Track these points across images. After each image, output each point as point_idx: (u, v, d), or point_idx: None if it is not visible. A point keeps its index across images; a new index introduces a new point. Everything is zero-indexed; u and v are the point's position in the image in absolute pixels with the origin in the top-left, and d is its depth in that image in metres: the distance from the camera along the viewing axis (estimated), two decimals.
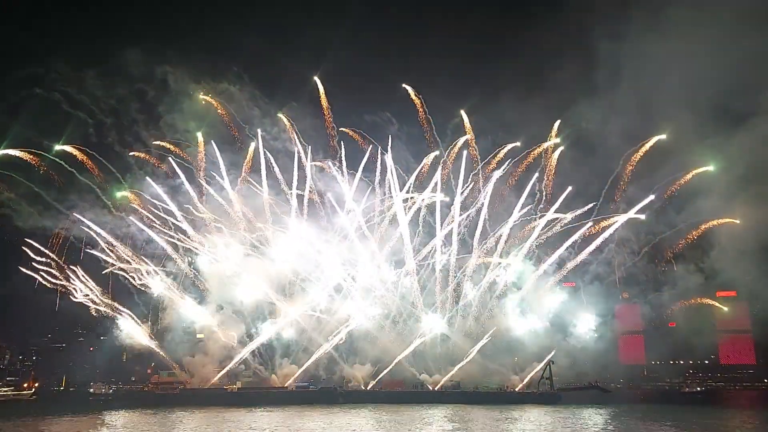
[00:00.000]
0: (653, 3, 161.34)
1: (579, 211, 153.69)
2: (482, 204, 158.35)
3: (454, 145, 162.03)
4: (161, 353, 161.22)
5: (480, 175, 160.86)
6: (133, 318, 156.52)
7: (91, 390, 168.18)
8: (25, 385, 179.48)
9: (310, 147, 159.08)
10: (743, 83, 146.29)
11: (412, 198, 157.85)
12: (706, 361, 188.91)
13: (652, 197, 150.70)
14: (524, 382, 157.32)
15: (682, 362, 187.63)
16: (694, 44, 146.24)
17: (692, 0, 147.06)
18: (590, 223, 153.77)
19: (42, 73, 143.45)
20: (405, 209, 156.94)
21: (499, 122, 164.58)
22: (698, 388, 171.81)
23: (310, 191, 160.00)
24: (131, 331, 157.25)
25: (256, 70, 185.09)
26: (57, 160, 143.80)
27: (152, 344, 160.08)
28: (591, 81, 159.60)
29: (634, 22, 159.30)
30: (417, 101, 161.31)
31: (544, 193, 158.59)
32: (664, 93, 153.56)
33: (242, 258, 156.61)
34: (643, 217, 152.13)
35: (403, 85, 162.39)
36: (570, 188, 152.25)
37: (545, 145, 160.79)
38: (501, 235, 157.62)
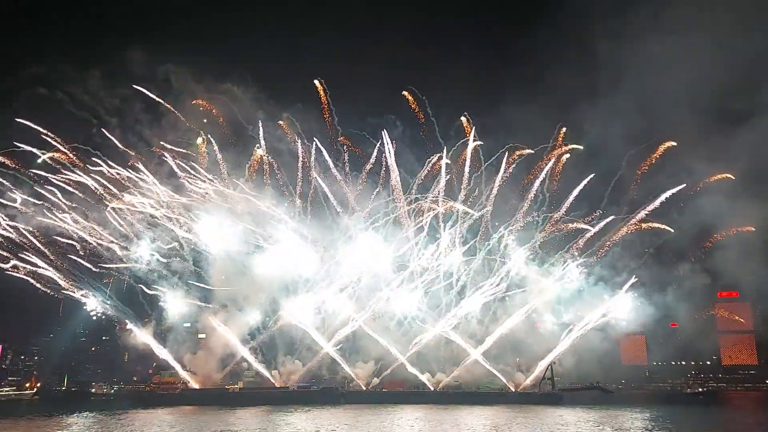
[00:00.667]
0: (653, 4, 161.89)
1: (594, 216, 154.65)
2: (486, 207, 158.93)
3: (459, 149, 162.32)
4: (163, 353, 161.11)
5: (482, 178, 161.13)
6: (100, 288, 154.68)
7: (93, 390, 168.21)
8: (27, 385, 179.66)
9: (314, 148, 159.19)
10: (744, 83, 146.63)
11: (417, 200, 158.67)
12: (708, 362, 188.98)
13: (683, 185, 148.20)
14: (526, 382, 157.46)
15: (683, 363, 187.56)
16: (694, 44, 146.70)
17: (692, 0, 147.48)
18: (592, 229, 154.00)
19: (45, 72, 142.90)
20: (409, 212, 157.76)
21: (502, 125, 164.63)
22: (700, 389, 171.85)
23: (312, 192, 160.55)
24: (98, 308, 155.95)
25: (261, 70, 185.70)
26: (60, 159, 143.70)
27: (148, 341, 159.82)
28: (592, 83, 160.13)
29: (634, 24, 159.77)
30: (417, 106, 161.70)
31: (547, 196, 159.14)
32: (665, 94, 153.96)
33: (244, 256, 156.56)
34: (672, 230, 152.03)
35: (404, 93, 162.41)
36: (592, 175, 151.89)
37: (556, 152, 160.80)
38: (504, 237, 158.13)
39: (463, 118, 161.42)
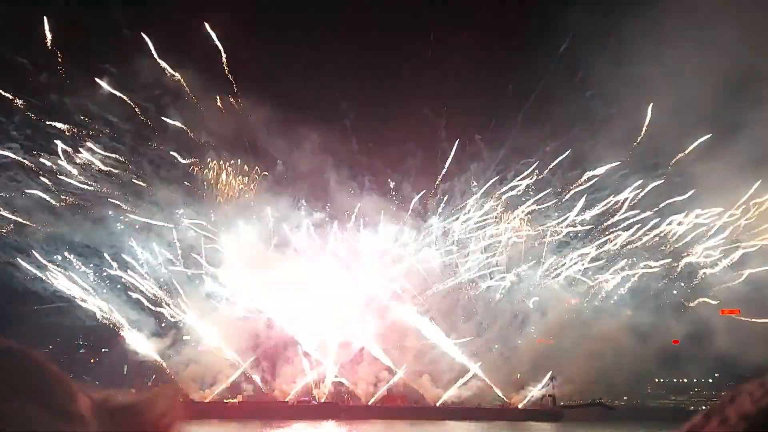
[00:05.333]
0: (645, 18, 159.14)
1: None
2: (492, 228, 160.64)
3: (465, 170, 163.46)
4: (163, 365, 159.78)
5: (490, 199, 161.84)
6: None
7: None
8: None
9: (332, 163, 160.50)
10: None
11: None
12: (711, 380, 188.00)
13: None
14: (527, 398, 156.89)
15: (685, 380, 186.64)
16: (691, 58, 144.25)
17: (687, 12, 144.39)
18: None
19: (57, 80, 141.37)
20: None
21: (508, 146, 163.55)
22: (703, 407, 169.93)
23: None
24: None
25: (275, 83, 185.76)
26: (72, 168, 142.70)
27: (155, 356, 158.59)
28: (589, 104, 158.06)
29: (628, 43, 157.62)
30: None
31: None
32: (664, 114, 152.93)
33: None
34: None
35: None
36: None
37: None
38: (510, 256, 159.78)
39: (477, 137, 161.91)
